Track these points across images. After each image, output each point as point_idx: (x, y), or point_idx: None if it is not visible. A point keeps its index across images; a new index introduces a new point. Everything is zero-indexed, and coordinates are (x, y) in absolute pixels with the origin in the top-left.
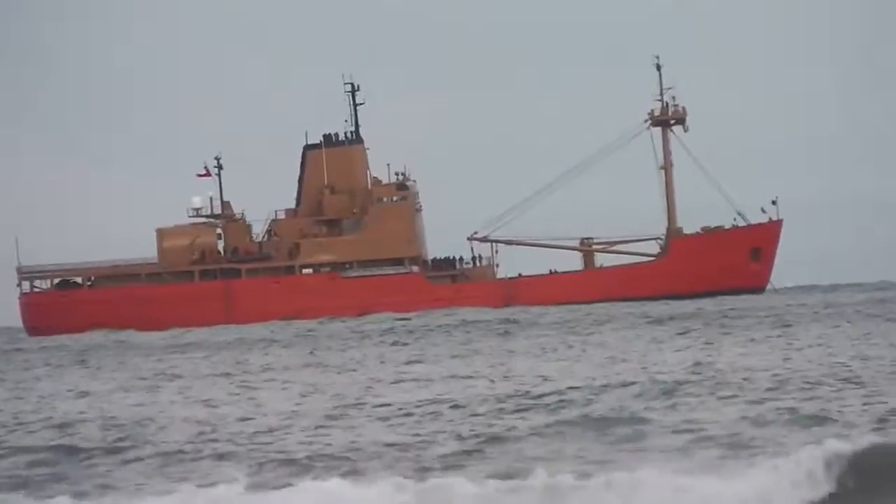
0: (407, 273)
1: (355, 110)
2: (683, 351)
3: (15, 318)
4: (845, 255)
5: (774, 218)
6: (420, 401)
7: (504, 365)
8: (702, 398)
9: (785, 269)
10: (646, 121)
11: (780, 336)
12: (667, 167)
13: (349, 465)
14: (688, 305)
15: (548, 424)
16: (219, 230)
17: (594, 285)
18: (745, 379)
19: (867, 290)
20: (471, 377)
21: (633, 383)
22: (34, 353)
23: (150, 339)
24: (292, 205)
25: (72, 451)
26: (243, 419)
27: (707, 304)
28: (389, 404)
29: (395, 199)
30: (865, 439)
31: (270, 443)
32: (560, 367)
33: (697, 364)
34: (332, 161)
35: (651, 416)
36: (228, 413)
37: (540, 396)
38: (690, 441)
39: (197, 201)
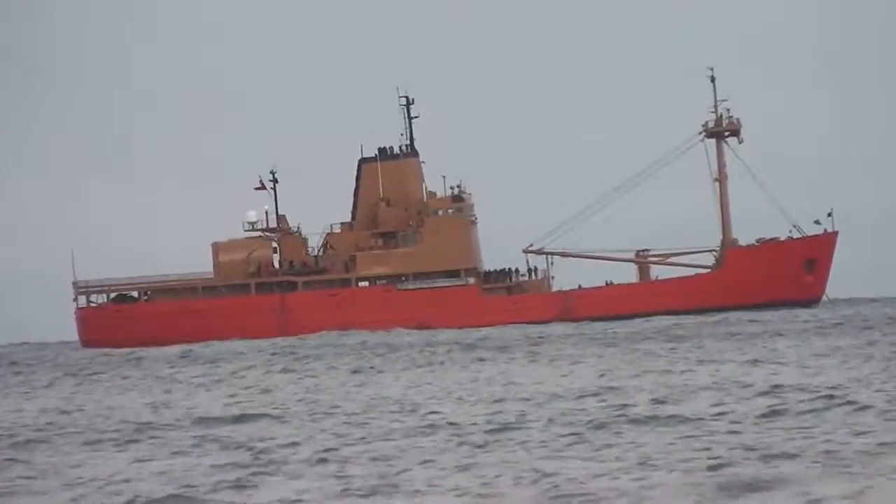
0: (463, 285)
1: (410, 123)
2: None
3: (69, 332)
4: None
5: (829, 230)
6: None
7: None
8: None
9: (841, 281)
10: (700, 132)
11: None
12: (721, 179)
13: None
14: None
15: None
16: (274, 244)
17: (651, 297)
18: None
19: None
20: None
21: None
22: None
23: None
24: (348, 218)
25: None
26: None
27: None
28: None
29: (450, 211)
30: None
31: None
32: None
33: None
34: (387, 174)
35: None
36: None
37: None
38: None
39: (252, 215)
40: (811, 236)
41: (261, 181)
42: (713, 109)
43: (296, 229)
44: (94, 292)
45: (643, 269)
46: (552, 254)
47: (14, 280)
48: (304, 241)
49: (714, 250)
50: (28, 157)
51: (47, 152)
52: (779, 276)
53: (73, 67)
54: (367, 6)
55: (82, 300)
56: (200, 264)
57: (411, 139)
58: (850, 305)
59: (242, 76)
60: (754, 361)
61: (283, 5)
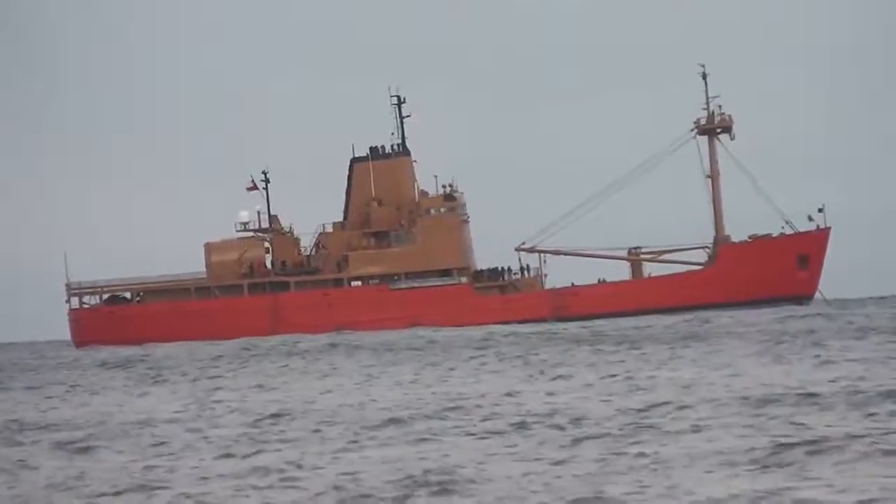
0: (455, 284)
1: (402, 123)
2: None
3: (61, 332)
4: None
5: (822, 226)
6: None
7: None
8: None
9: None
10: (692, 130)
11: None
12: (714, 176)
13: None
14: None
15: None
16: (267, 244)
17: (644, 295)
18: None
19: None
20: None
21: None
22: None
23: None
24: (340, 218)
25: None
26: None
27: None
28: None
29: (442, 210)
30: None
31: None
32: None
33: None
34: (379, 173)
35: None
36: None
37: None
38: None
39: (244, 215)
40: (804, 232)
41: (252, 181)
42: (705, 106)
43: (288, 229)
44: (87, 293)
45: (636, 266)
46: (545, 252)
47: (13, 279)
48: (297, 241)
49: (707, 247)
50: (28, 157)
51: (47, 152)
52: (772, 272)
53: (73, 67)
54: (366, 7)
55: (75, 301)
56: (196, 265)
57: (403, 138)
58: (844, 306)
59: (242, 76)
60: None
61: (282, 6)
